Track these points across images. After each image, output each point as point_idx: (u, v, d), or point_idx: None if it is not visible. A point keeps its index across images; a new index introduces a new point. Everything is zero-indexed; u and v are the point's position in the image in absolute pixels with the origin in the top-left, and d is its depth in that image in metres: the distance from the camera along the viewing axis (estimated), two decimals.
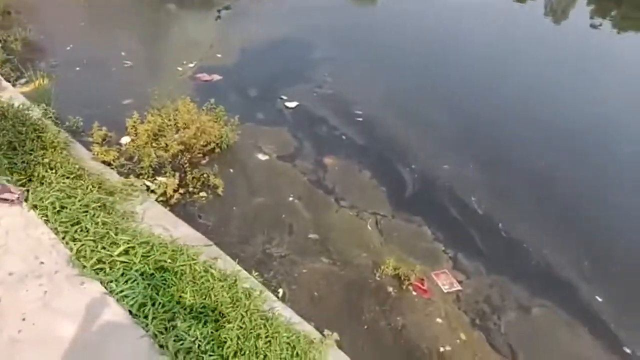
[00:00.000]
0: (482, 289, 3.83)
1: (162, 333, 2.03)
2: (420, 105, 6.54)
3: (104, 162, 4.32)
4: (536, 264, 4.14)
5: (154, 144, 4.63)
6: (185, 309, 2.25)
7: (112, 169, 4.25)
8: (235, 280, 2.66)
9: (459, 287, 3.78)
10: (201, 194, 4.31)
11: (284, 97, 6.20)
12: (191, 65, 6.73)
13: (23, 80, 5.46)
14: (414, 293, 3.65)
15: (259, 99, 6.19)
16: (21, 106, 4.30)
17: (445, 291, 3.72)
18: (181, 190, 4.25)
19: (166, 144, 4.50)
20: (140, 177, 4.27)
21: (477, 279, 3.91)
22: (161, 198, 4.09)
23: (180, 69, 6.60)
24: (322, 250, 3.92)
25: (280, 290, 3.45)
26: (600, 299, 3.88)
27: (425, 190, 4.91)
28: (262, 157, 5.04)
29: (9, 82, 5.24)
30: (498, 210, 4.68)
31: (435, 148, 5.64)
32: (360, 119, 6.01)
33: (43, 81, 5.42)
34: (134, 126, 4.79)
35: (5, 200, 2.43)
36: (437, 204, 4.73)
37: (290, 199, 4.46)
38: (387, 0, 12.10)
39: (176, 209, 4.05)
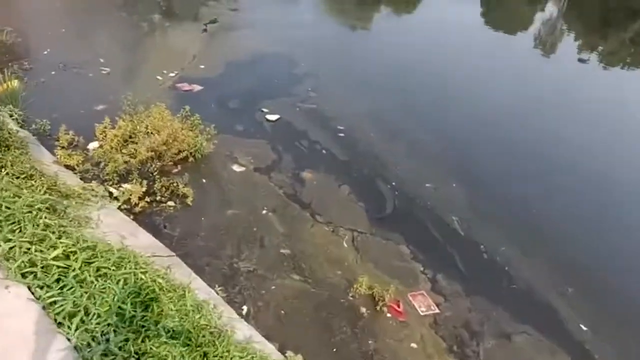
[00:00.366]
0: (461, 312, 3.61)
1: (89, 345, 1.77)
2: (404, 123, 6.43)
3: (67, 166, 4.09)
4: (518, 288, 3.95)
5: (123, 150, 4.41)
6: (124, 322, 2.00)
7: (75, 173, 4.01)
8: (185, 293, 2.40)
9: (437, 310, 3.56)
10: (169, 203, 4.07)
11: (265, 110, 6.04)
12: (172, 74, 6.57)
13: None
14: (389, 315, 3.42)
15: (239, 110, 6.02)
16: None
17: (422, 314, 3.49)
18: (148, 199, 4.00)
19: (135, 150, 4.27)
20: (105, 183, 4.04)
21: (456, 301, 3.69)
22: (125, 206, 3.84)
23: (160, 78, 6.43)
24: (294, 266, 3.68)
25: (245, 307, 3.20)
26: (584, 328, 3.68)
27: (405, 208, 4.73)
28: (237, 168, 4.83)
29: None
30: (480, 231, 4.51)
31: (417, 166, 5.49)
32: (342, 135, 5.86)
33: (12, 83, 5.19)
34: (103, 131, 4.58)
35: None
36: (417, 222, 4.54)
37: (264, 212, 4.24)
38: (376, 20, 12.19)
39: (140, 217, 3.81)
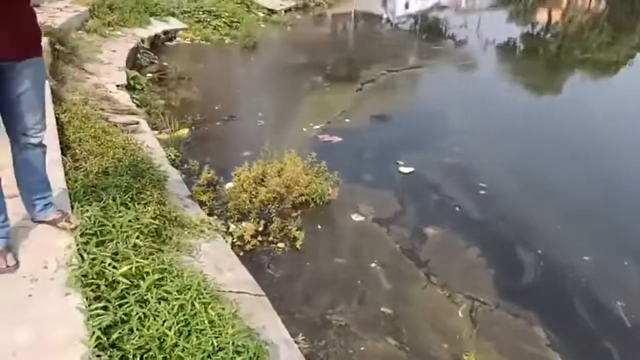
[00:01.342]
0: None
1: (98, 357, 1.73)
2: (564, 184, 5.48)
3: (200, 202, 4.46)
4: None
5: (252, 192, 4.65)
6: (162, 349, 1.93)
7: (203, 209, 4.34)
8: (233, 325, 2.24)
9: None
10: (279, 244, 4.08)
11: (400, 163, 5.81)
12: (317, 127, 6.87)
13: (167, 130, 6.16)
14: None
15: (373, 161, 5.91)
16: (147, 147, 4.75)
17: None
18: (261, 238, 4.08)
19: (257, 191, 4.46)
20: (228, 220, 4.27)
21: None
22: (238, 242, 3.98)
23: (305, 129, 6.78)
24: (392, 329, 3.24)
25: None
26: None
27: (549, 281, 3.88)
28: (356, 217, 4.65)
29: (155, 130, 5.96)
30: None
31: (576, 235, 4.54)
32: (483, 192, 5.24)
33: (181, 131, 6.05)
34: (239, 173, 4.92)
35: (61, 228, 2.51)
36: (564, 301, 3.65)
37: (373, 264, 3.92)
38: (561, 85, 11.12)
39: (248, 255, 3.88)
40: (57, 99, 4.78)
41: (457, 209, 4.91)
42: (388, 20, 20.61)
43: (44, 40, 6.29)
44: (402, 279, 3.76)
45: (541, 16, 24.76)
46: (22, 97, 2.19)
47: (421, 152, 6.29)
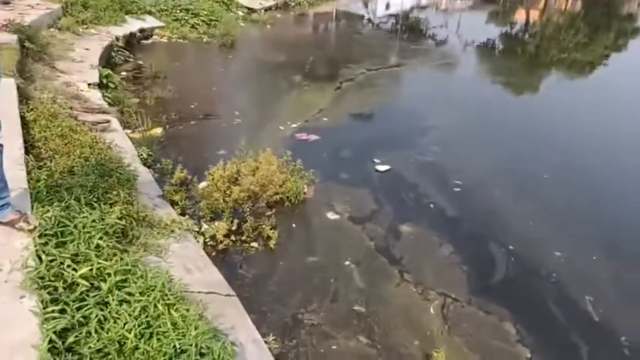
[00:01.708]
0: None
1: None
2: (539, 182, 5.55)
3: (172, 201, 4.38)
4: None
5: (226, 191, 4.59)
6: (122, 352, 1.88)
7: (175, 209, 4.26)
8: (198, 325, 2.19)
9: None
10: (252, 244, 4.03)
11: (377, 161, 5.81)
12: (294, 125, 6.84)
13: (140, 129, 6.05)
14: None
15: (350, 160, 5.90)
16: (117, 145, 4.65)
17: None
18: (234, 238, 4.03)
19: (230, 190, 4.40)
20: (201, 219, 4.21)
21: None
22: (210, 242, 3.93)
23: (282, 128, 6.73)
24: (364, 327, 3.23)
25: None
26: None
27: (521, 277, 3.91)
28: (331, 216, 4.63)
29: (127, 129, 5.84)
30: (623, 320, 3.45)
31: (548, 231, 4.60)
32: (458, 189, 5.27)
33: (155, 130, 5.94)
34: (213, 173, 4.85)
35: (19, 229, 2.43)
36: (534, 297, 3.69)
37: (347, 262, 3.90)
38: (541, 83, 11.29)
39: (221, 255, 3.82)
40: (23, 97, 4.64)
41: (432, 206, 4.93)
42: (369, 20, 20.67)
43: (12, 37, 6.14)
44: (375, 276, 3.76)
45: (520, 16, 25.17)
46: None
47: (398, 150, 6.30)
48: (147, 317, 2.16)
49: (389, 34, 18.01)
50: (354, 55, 12.36)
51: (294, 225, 4.40)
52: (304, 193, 4.77)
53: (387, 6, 26.57)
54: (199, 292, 2.86)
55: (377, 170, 5.63)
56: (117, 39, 8.75)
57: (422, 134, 7.04)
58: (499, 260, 4.08)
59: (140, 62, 8.86)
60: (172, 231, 3.60)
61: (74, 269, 2.23)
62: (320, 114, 7.52)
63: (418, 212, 4.78)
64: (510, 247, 4.24)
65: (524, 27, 21.32)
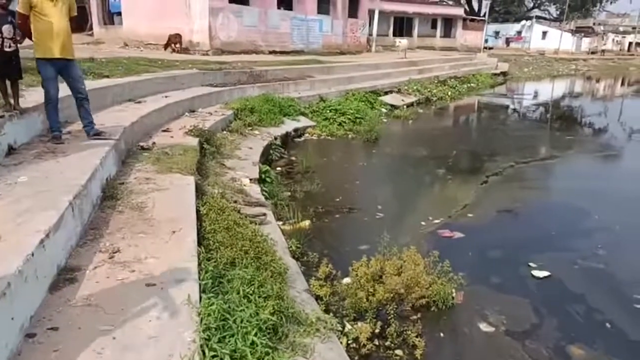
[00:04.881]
0: None
1: None
2: None
3: (317, 296, 4.45)
4: None
5: (369, 289, 4.53)
6: None
7: (320, 304, 4.30)
8: None
9: None
10: (397, 351, 3.81)
11: (532, 265, 5.25)
12: (436, 221, 6.65)
13: (291, 221, 6.47)
14: None
15: (500, 262, 5.44)
16: (271, 239, 4.99)
17: None
18: (377, 342, 3.88)
19: (374, 289, 4.32)
20: (344, 318, 4.17)
21: None
22: (353, 345, 3.82)
23: (424, 223, 6.59)
24: None
25: None
26: None
27: None
28: (484, 327, 4.20)
29: (279, 221, 6.29)
30: None
31: None
32: None
33: (303, 224, 6.29)
34: (356, 269, 4.87)
35: None
36: None
37: None
38: None
39: None
40: (199, 193, 5.36)
41: (608, 325, 4.18)
42: (514, 110, 20.07)
43: (195, 140, 7.28)
44: None
45: None
46: None
47: (557, 253, 5.65)
48: None
49: (538, 124, 17.18)
50: (500, 147, 11.93)
51: (441, 334, 4.09)
52: (452, 298, 4.46)
53: (535, 95, 25.64)
54: None
55: (533, 276, 5.07)
56: (275, 138, 9.80)
57: (585, 235, 6.27)
58: None
59: (293, 158, 9.71)
60: (318, 330, 3.59)
61: None
62: (465, 209, 7.22)
63: (590, 332, 4.09)
64: None
65: None
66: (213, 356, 2.38)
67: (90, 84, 8.03)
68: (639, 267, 5.30)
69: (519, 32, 54.12)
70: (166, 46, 17.91)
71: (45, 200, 3.44)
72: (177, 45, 17.88)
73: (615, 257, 5.47)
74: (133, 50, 17.87)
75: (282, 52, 21.12)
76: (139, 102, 8.54)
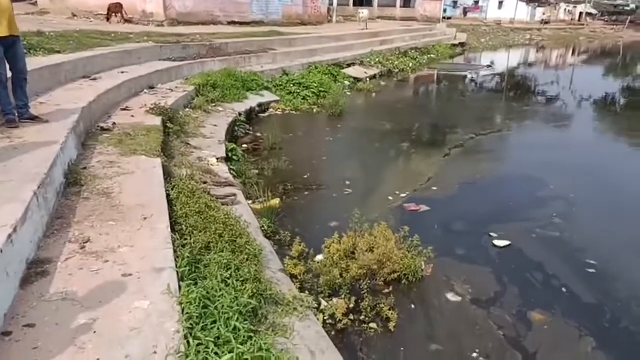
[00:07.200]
0: None
1: None
2: None
3: (291, 275, 4.53)
4: None
5: (343, 266, 4.64)
6: None
7: (295, 283, 4.38)
8: None
9: None
10: (371, 324, 3.97)
11: (494, 235, 5.52)
12: (403, 195, 6.82)
13: (261, 200, 6.46)
14: None
15: (464, 233, 5.68)
16: (245, 221, 4.98)
17: None
18: (352, 317, 4.01)
19: (347, 266, 4.44)
20: (319, 295, 4.28)
21: None
22: (329, 321, 3.94)
23: (391, 198, 6.75)
24: None
25: None
26: None
27: None
28: (452, 297, 4.42)
29: (249, 200, 6.28)
30: None
31: None
32: (593, 271, 4.77)
33: (271, 201, 6.30)
34: (329, 246, 4.96)
35: None
36: None
37: (475, 355, 3.64)
38: None
39: (340, 335, 3.81)
40: (167, 175, 5.25)
41: (564, 290, 4.50)
42: (473, 81, 20.47)
43: (158, 119, 7.06)
44: None
45: None
46: None
47: (517, 223, 5.95)
48: None
49: (496, 95, 17.62)
50: (461, 119, 12.23)
51: (413, 306, 4.27)
52: (422, 270, 4.65)
53: (491, 64, 26.17)
54: None
55: (495, 246, 5.34)
56: (240, 114, 9.65)
57: (542, 204, 6.60)
58: None
59: (259, 134, 9.61)
60: (295, 309, 3.68)
61: (216, 353, 2.36)
62: (430, 182, 7.44)
63: (549, 297, 4.38)
64: None
65: None
66: (198, 344, 2.41)
67: (41, 61, 7.62)
68: (591, 234, 5.67)
69: (476, 2, 54.75)
70: (108, 17, 16.65)
71: (8, 192, 3.28)
72: (119, 15, 16.70)
73: (569, 225, 5.82)
74: (82, 21, 16.84)
75: (241, 23, 20.51)
76: (94, 79, 8.15)
